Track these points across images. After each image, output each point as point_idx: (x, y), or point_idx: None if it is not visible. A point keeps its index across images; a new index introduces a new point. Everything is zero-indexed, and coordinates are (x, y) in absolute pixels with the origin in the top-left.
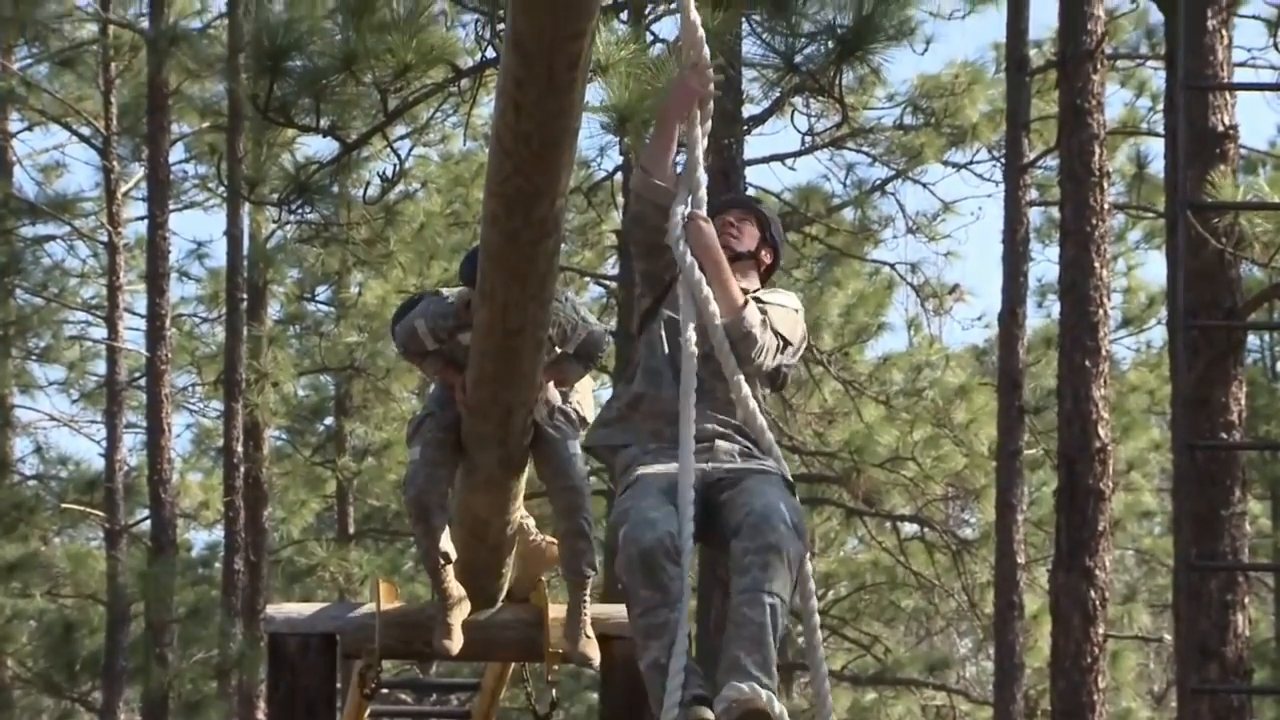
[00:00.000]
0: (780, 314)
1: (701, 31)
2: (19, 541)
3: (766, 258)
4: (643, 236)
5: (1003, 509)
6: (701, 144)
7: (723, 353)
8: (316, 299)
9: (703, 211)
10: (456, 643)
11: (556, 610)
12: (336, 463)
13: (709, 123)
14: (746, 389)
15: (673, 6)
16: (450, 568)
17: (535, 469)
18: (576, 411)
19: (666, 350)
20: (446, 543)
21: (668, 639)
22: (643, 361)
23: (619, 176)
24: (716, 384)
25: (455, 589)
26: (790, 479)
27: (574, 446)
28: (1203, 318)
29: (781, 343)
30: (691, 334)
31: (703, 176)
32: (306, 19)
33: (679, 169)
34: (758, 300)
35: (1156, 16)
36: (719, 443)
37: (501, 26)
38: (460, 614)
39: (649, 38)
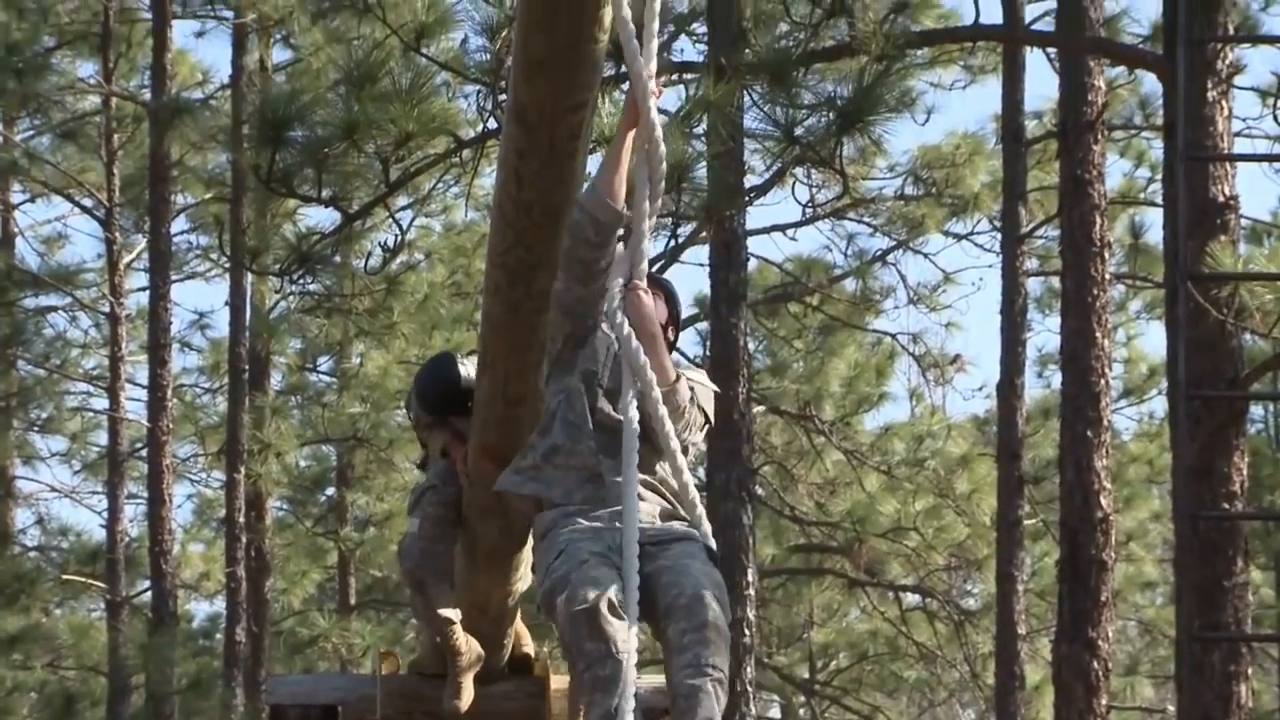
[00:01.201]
0: (705, 394)
1: (634, 41)
2: (20, 613)
3: (670, 335)
4: (573, 251)
5: (1003, 580)
6: (649, 220)
7: (658, 419)
8: (319, 369)
9: (643, 284)
10: (466, 699)
11: (558, 681)
12: (338, 533)
13: (659, 200)
14: (682, 459)
15: (674, 77)
16: (457, 627)
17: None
18: None
19: (586, 403)
20: (448, 608)
21: (616, 688)
22: (560, 413)
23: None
24: (639, 444)
25: (466, 646)
26: (713, 547)
27: None
28: (1204, 388)
29: (703, 420)
30: (633, 404)
31: (647, 248)
32: (309, 90)
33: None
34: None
35: (1154, 87)
36: (640, 505)
37: (503, 97)
38: (471, 671)
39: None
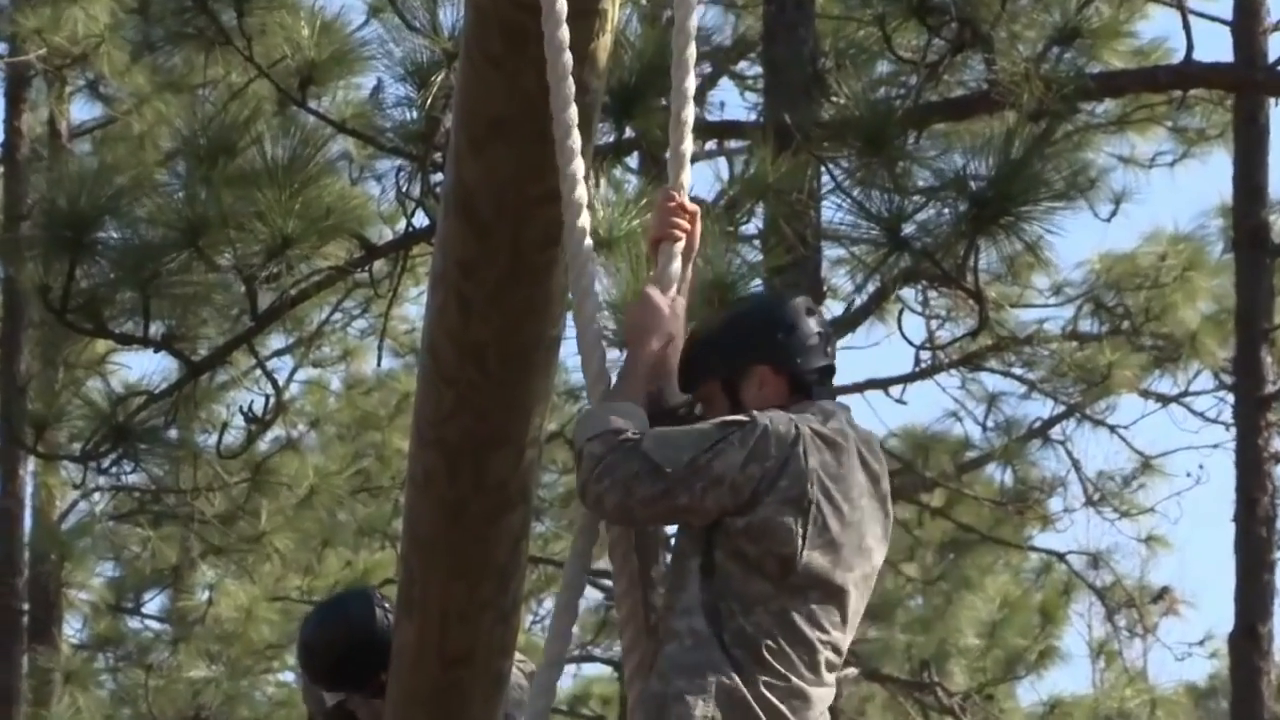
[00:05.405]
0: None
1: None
2: None
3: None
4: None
5: None
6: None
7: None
8: (142, 610)
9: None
10: None
11: None
12: None
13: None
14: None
15: (708, 147)
16: None
17: None
18: None
19: None
20: None
21: None
22: None
23: None
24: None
25: None
26: None
27: None
28: None
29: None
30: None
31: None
32: (128, 166)
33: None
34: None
35: None
36: None
37: (439, 178)
38: None
39: None
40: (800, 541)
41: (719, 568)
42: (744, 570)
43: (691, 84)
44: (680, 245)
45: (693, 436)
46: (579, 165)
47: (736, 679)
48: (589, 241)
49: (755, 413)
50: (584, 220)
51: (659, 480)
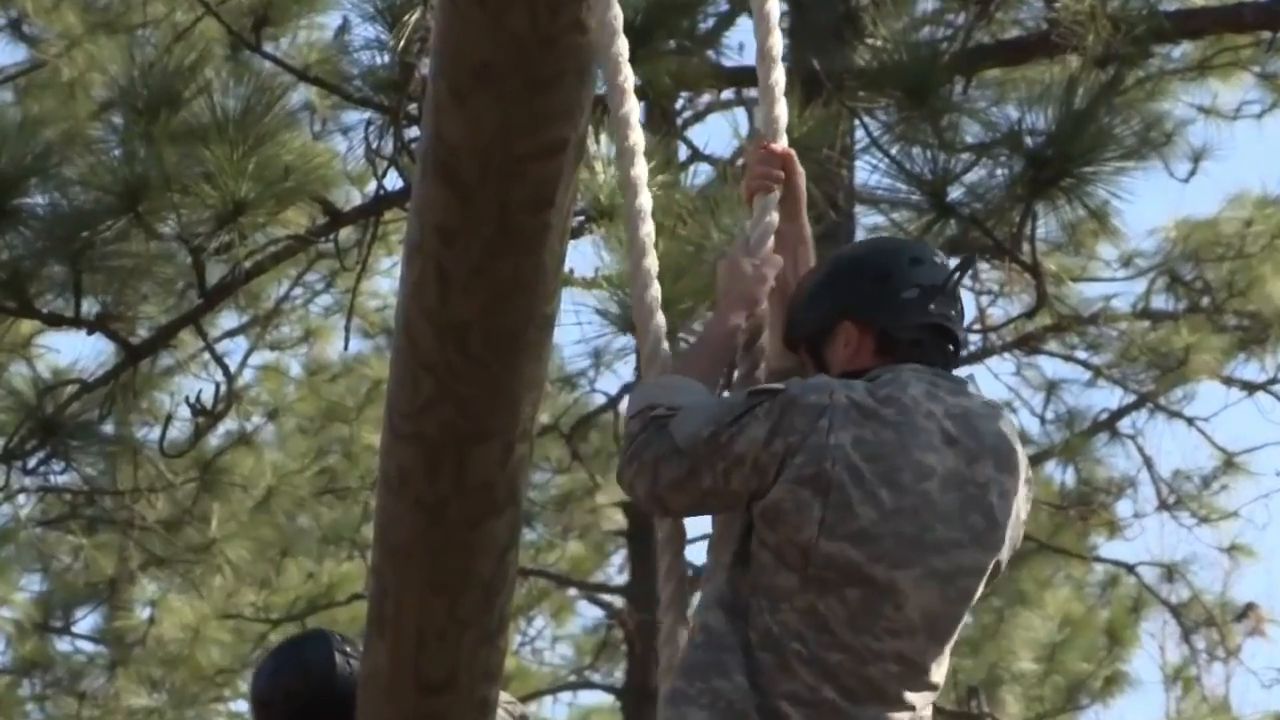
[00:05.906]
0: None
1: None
2: None
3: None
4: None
5: None
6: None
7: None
8: (73, 629)
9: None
10: None
11: None
12: None
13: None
14: None
15: (725, 96)
16: None
17: None
18: None
19: None
20: None
21: None
22: None
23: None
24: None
25: None
26: None
27: None
28: None
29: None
30: None
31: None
32: (56, 119)
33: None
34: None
35: None
36: None
37: (415, 133)
38: None
39: (684, 151)
40: (815, 527)
41: (753, 557)
42: (774, 560)
43: (775, 9)
44: (774, 196)
45: (718, 410)
46: (633, 106)
47: (747, 687)
48: (646, 195)
49: (793, 380)
50: (639, 169)
51: (682, 460)
